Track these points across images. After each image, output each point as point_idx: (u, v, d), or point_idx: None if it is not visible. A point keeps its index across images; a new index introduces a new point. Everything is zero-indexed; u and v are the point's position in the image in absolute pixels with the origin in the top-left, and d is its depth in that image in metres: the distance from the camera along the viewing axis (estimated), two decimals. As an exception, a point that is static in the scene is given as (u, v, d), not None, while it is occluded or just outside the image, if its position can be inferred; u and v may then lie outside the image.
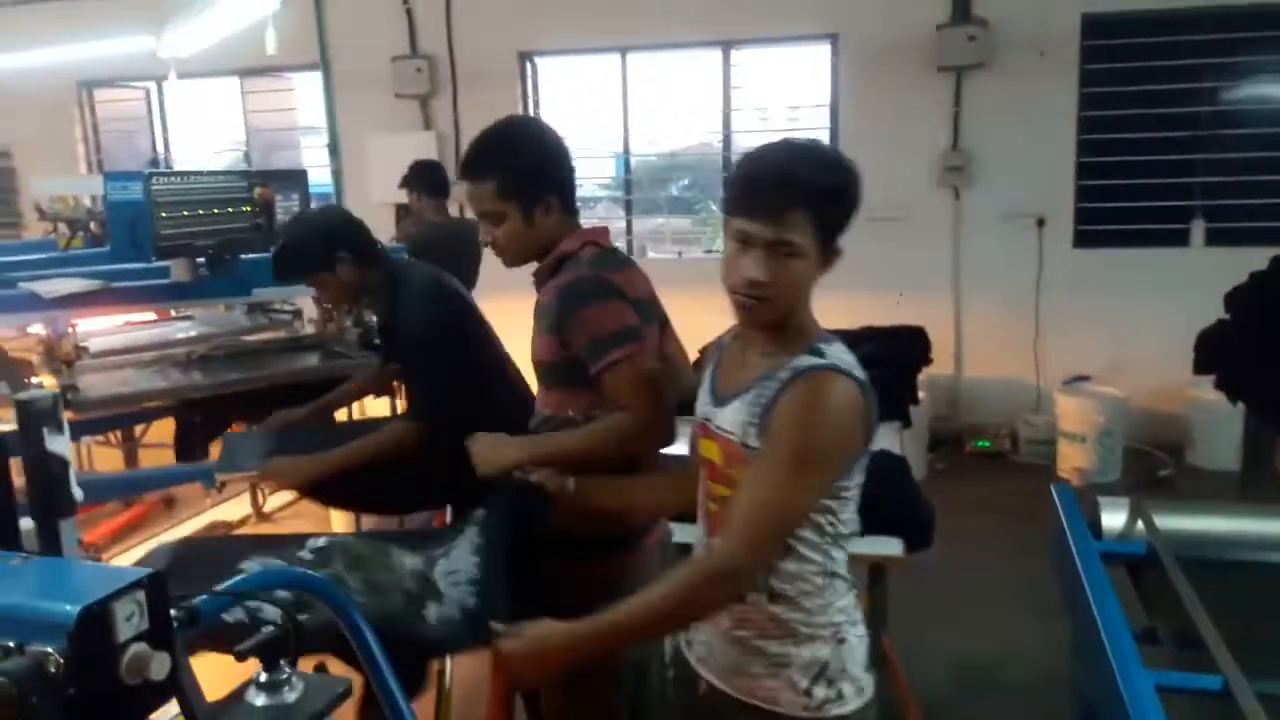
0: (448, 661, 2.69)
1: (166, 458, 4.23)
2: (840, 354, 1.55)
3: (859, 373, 1.53)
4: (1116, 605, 1.95)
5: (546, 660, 1.49)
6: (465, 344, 2.80)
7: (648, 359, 1.96)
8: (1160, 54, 5.77)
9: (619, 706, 2.18)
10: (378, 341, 3.59)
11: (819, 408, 1.48)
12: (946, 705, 3.30)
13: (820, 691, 1.57)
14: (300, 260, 2.82)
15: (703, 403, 1.67)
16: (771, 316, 1.54)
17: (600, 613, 1.47)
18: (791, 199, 1.46)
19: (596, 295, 1.96)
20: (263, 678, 1.07)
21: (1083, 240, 6.03)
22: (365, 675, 1.27)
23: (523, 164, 2.05)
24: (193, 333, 4.32)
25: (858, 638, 1.63)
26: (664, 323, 2.22)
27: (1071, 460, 5.59)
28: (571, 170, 2.13)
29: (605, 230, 2.17)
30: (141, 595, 0.90)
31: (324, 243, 2.79)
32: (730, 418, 1.57)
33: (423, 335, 2.78)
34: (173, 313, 4.61)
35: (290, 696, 1.07)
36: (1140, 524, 2.32)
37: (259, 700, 1.06)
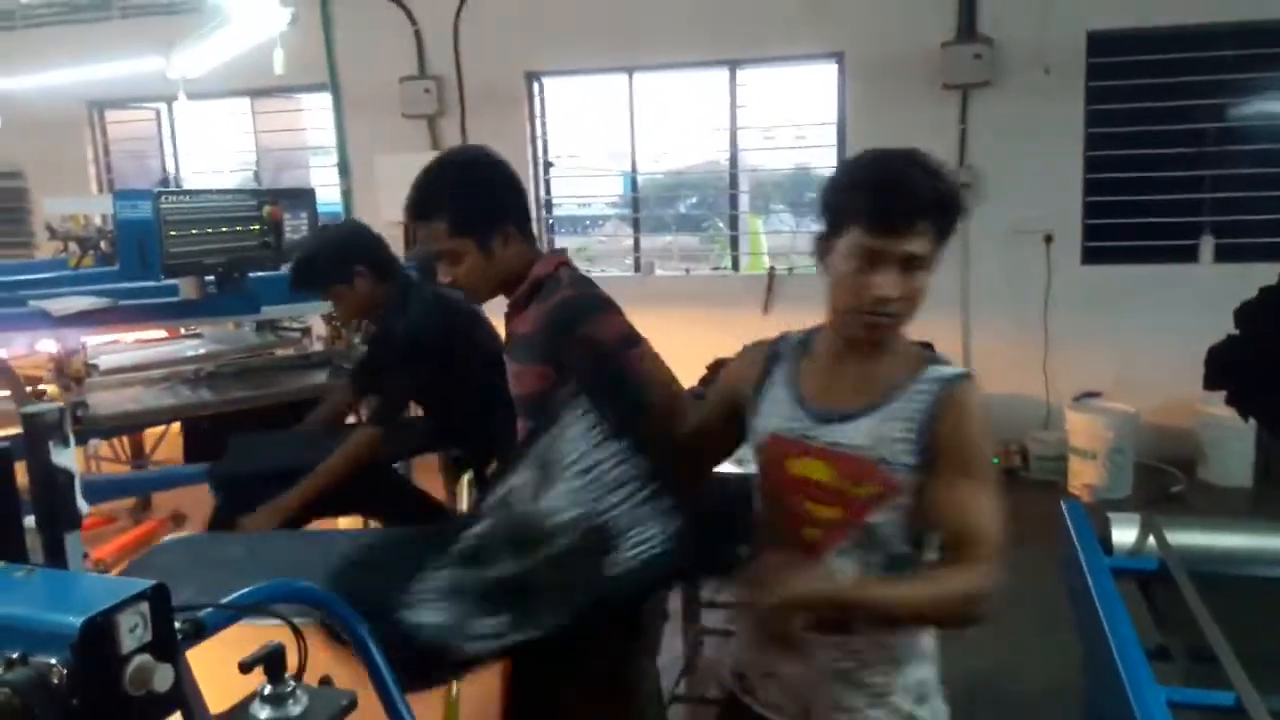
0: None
1: (175, 476, 4.24)
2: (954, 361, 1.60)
3: None
4: (1128, 621, 1.93)
5: (810, 602, 1.40)
6: (452, 357, 2.82)
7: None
8: (1166, 71, 5.76)
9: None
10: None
11: (983, 418, 1.52)
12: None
13: (923, 712, 1.56)
14: (319, 272, 2.87)
15: (788, 418, 1.58)
16: (889, 333, 1.52)
17: (858, 584, 1.47)
18: (921, 211, 1.43)
19: (592, 310, 1.92)
20: (267, 690, 1.07)
21: (1091, 256, 6.02)
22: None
23: (472, 197, 1.95)
24: (202, 350, 4.34)
25: (936, 650, 1.64)
26: None
27: (1082, 477, 5.56)
28: (522, 195, 2.04)
29: (565, 251, 2.12)
30: (145, 607, 0.89)
31: (343, 256, 2.84)
32: (860, 433, 1.51)
33: (405, 341, 2.83)
34: (182, 330, 4.64)
35: (294, 709, 1.07)
36: (1151, 539, 2.31)
37: (263, 713, 1.06)
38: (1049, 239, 5.98)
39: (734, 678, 1.69)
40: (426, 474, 4.82)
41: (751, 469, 1.72)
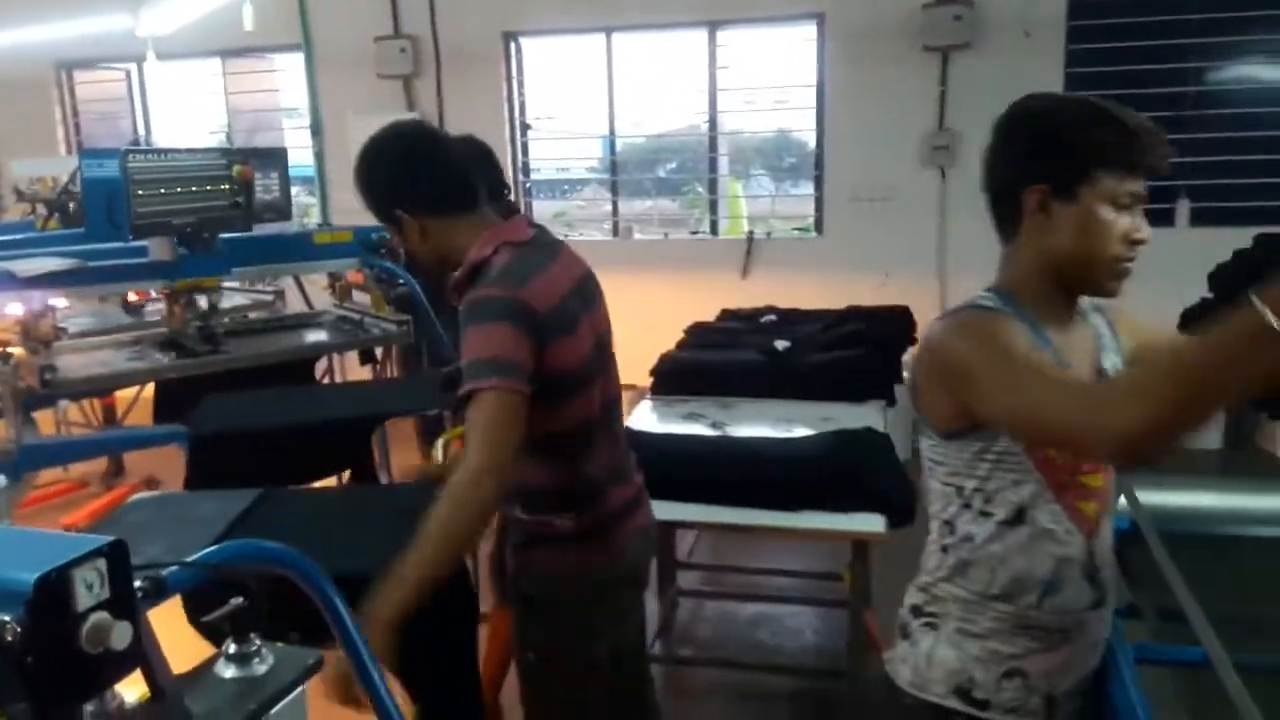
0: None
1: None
2: None
3: None
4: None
5: None
6: None
7: (511, 399, 1.73)
8: (1146, 34, 5.76)
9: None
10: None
11: None
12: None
13: None
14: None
15: None
16: None
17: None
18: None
19: (486, 316, 1.79)
20: (232, 649, 1.05)
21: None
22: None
23: (380, 181, 1.94)
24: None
25: None
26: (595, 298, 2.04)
27: (1056, 440, 5.59)
28: (452, 168, 1.96)
29: (520, 224, 2.01)
30: (103, 563, 0.88)
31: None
32: None
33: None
34: (153, 293, 4.58)
35: (260, 669, 1.05)
36: (1122, 499, 2.33)
37: (228, 672, 1.05)
38: (1027, 203, 5.97)
39: (957, 697, 1.59)
40: (402, 439, 4.82)
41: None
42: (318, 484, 3.67)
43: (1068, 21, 5.80)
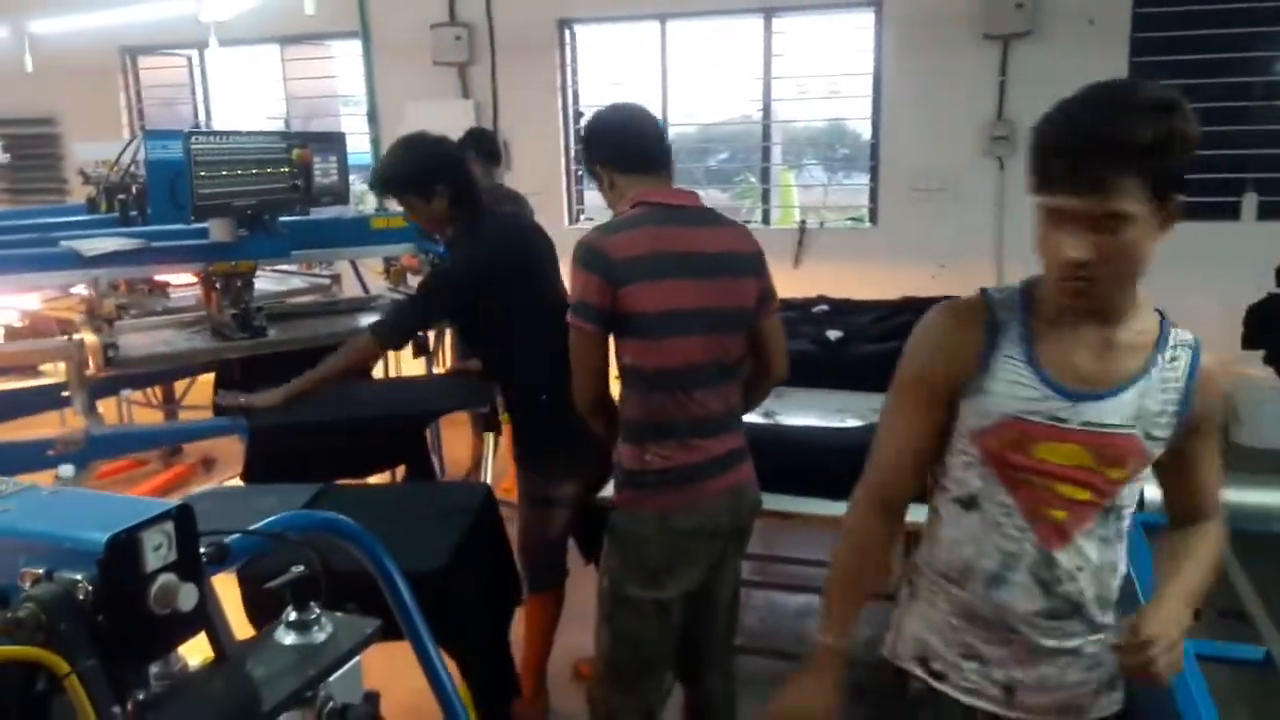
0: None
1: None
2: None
3: None
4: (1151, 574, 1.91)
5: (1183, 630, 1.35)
6: (493, 295, 2.86)
7: (587, 338, 2.16)
8: (1213, 23, 5.61)
9: (663, 648, 2.30)
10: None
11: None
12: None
13: (1119, 683, 1.55)
14: (401, 179, 2.90)
15: (1033, 399, 1.43)
16: (1106, 299, 1.37)
17: (1168, 580, 1.43)
18: (1116, 164, 1.26)
19: (577, 261, 2.17)
20: (292, 616, 1.07)
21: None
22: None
23: (595, 140, 2.37)
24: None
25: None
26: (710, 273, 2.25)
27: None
28: (647, 141, 2.33)
29: (667, 191, 2.30)
30: (170, 527, 0.89)
31: (430, 170, 2.86)
32: (1122, 410, 1.41)
33: (442, 271, 2.92)
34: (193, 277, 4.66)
35: (319, 636, 1.07)
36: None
37: (288, 639, 1.06)
38: (1087, 194, 5.86)
39: (916, 663, 1.61)
40: (456, 427, 4.87)
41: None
42: (373, 479, 3.73)
43: (1133, 9, 5.67)
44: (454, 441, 4.91)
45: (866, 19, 6.27)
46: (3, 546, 0.90)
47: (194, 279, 4.16)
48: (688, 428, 2.20)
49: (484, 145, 5.20)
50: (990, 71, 5.90)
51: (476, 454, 4.48)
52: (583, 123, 2.47)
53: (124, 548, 0.85)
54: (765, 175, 6.86)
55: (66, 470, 2.48)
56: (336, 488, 2.31)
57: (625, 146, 2.32)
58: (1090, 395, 1.40)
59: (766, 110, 6.65)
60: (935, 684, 1.57)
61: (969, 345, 1.48)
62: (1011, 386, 1.43)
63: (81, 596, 0.83)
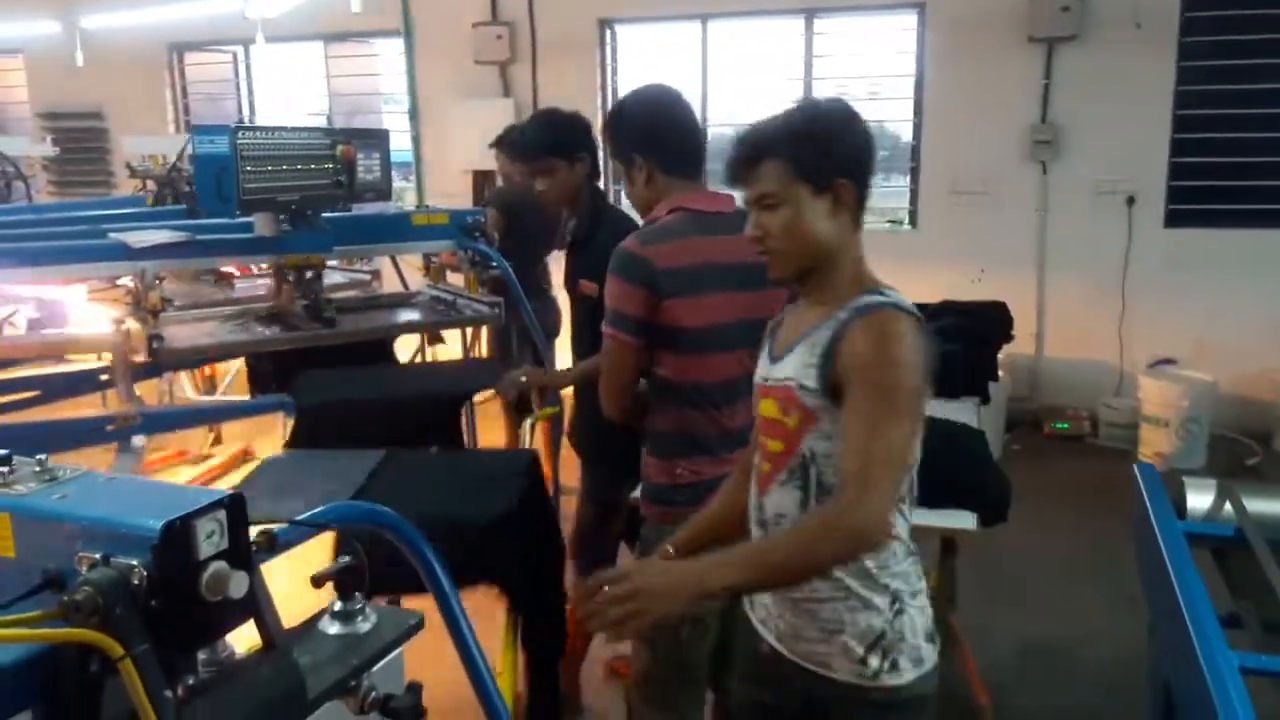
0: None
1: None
2: (899, 296, 1.55)
3: (917, 314, 1.53)
4: (1201, 585, 1.88)
5: (678, 594, 1.34)
6: None
7: (624, 349, 2.13)
8: (1263, 27, 5.52)
9: (699, 660, 2.24)
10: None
11: (895, 344, 1.45)
12: (1015, 687, 3.24)
13: (874, 661, 1.55)
14: (552, 141, 2.93)
15: (762, 367, 1.69)
16: (786, 269, 1.60)
17: (719, 554, 1.44)
18: (753, 153, 1.56)
19: (618, 269, 2.11)
20: (337, 606, 1.08)
21: (1175, 219, 5.83)
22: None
23: (638, 126, 2.28)
24: (274, 289, 4.40)
25: (918, 608, 1.60)
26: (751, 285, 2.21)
27: (1154, 445, 5.43)
28: (690, 141, 2.32)
29: (709, 198, 2.24)
30: (222, 515, 0.91)
31: (579, 136, 2.92)
32: (790, 366, 1.58)
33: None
34: (254, 270, 4.72)
35: (363, 627, 1.08)
36: (1228, 506, 2.24)
37: (332, 629, 1.08)
38: (1131, 200, 5.80)
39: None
40: (491, 418, 4.89)
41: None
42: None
43: (1182, 13, 5.59)
44: (487, 431, 4.94)
45: (909, 20, 6.24)
46: (60, 531, 0.92)
47: (260, 270, 4.23)
48: (720, 442, 2.16)
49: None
50: (1034, 74, 5.85)
51: (511, 443, 4.50)
52: (614, 105, 2.34)
53: (178, 535, 0.87)
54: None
55: (138, 440, 2.80)
56: (399, 452, 2.50)
57: (668, 141, 2.26)
58: (780, 356, 1.63)
59: (807, 111, 6.62)
60: (748, 609, 1.74)
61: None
62: (762, 360, 1.71)
63: (136, 582, 0.85)
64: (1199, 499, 2.30)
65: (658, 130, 2.25)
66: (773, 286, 2.20)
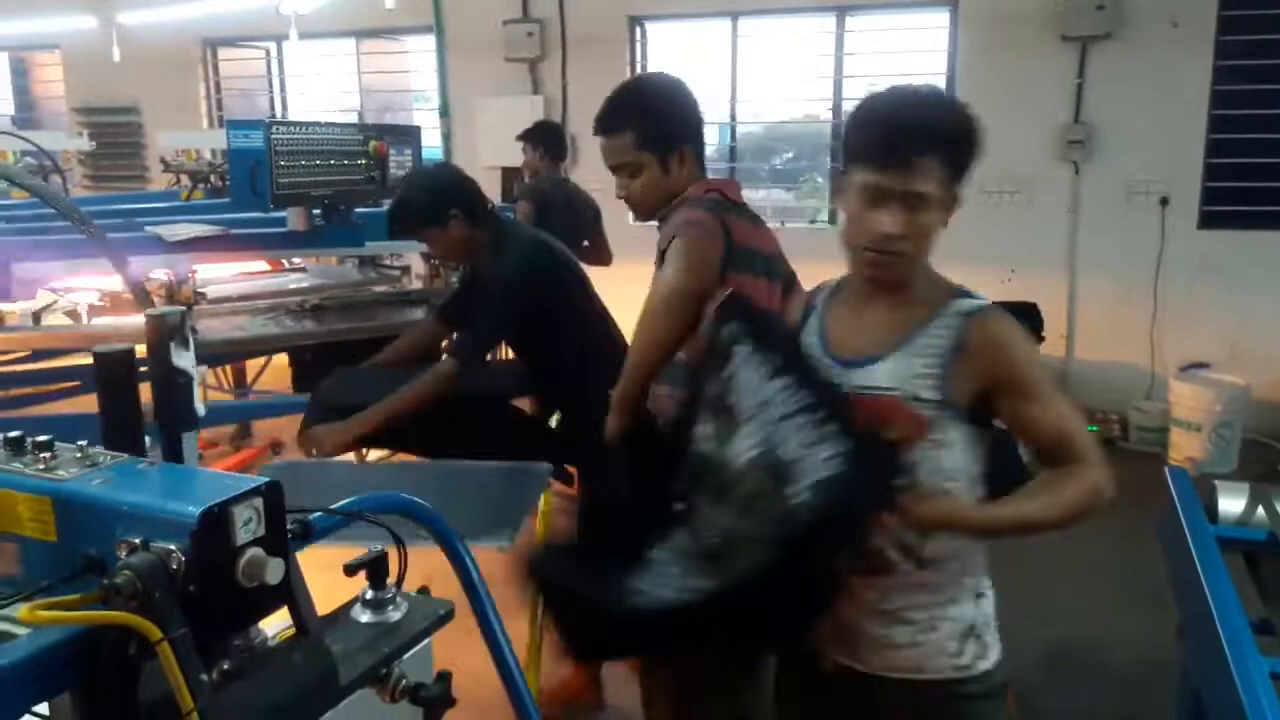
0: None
1: (276, 403, 4.39)
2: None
3: None
4: (1231, 589, 1.87)
5: (955, 525, 1.45)
6: (550, 300, 2.86)
7: (680, 326, 2.01)
8: (1304, 26, 5.45)
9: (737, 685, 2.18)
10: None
11: (1027, 340, 1.52)
12: (1041, 688, 3.23)
13: (970, 650, 1.55)
14: (414, 216, 2.91)
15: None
16: (903, 271, 1.51)
17: (990, 504, 1.50)
18: (923, 146, 1.42)
19: (690, 234, 2.04)
20: (368, 595, 1.09)
21: (1209, 221, 5.76)
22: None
23: (658, 115, 2.16)
24: (305, 284, 4.45)
25: (990, 594, 1.61)
26: (788, 282, 2.24)
27: (1184, 449, 5.37)
28: (702, 123, 2.24)
29: (736, 185, 2.25)
30: (259, 502, 0.92)
31: (437, 200, 2.87)
32: (887, 374, 1.49)
33: (503, 281, 2.88)
34: (285, 264, 4.77)
35: (394, 615, 1.09)
36: (1260, 510, 2.22)
37: (364, 617, 1.09)
38: (1165, 201, 5.73)
39: None
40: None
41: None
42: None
43: (1219, 12, 5.52)
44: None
45: (941, 18, 6.20)
46: (101, 515, 0.94)
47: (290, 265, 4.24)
48: None
49: (548, 139, 5.23)
50: (1067, 74, 5.80)
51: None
52: (644, 95, 2.25)
53: (216, 521, 0.88)
54: (834, 176, 6.82)
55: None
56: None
57: (698, 127, 2.23)
58: (860, 362, 1.52)
59: (837, 110, 6.61)
60: None
61: (792, 325, 1.68)
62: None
63: (174, 566, 0.86)
64: (1231, 503, 2.28)
65: (699, 119, 2.24)
66: (781, 280, 2.21)
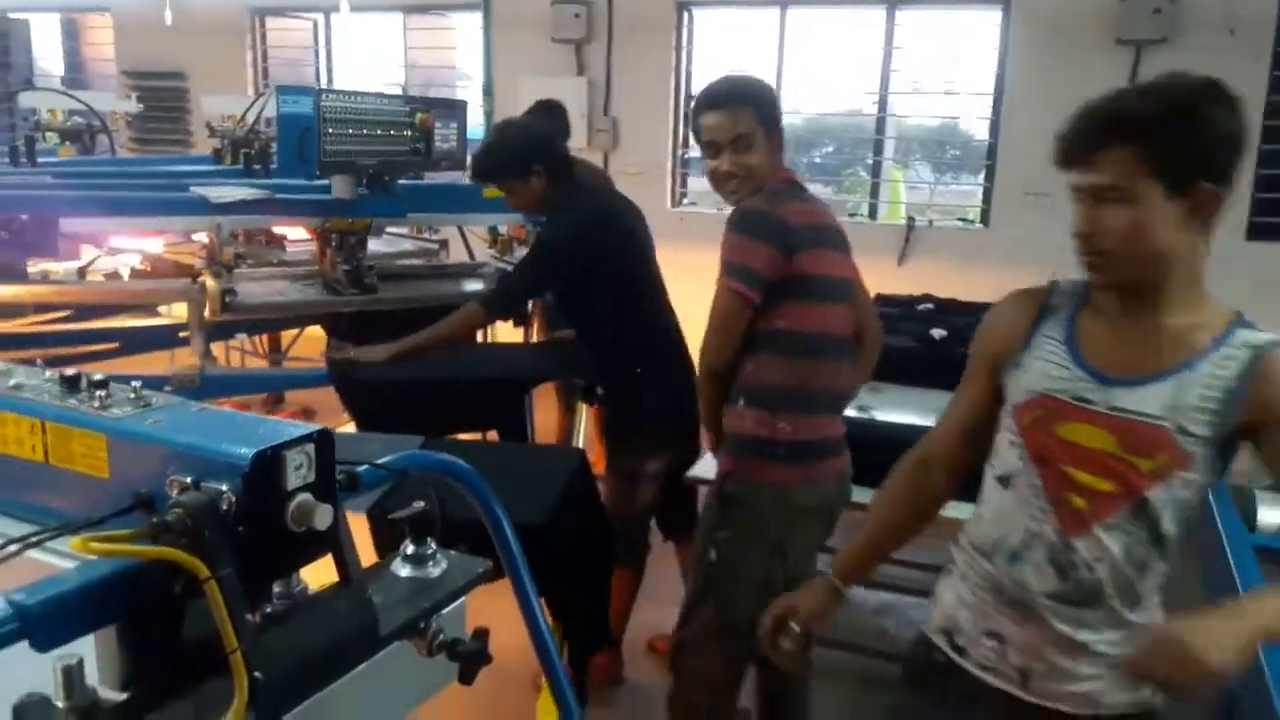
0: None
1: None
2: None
3: None
4: (1272, 598, 1.84)
5: (1237, 648, 1.24)
6: (600, 266, 2.92)
7: (744, 304, 2.14)
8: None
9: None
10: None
11: None
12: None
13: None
14: (500, 163, 3.00)
15: (1063, 378, 1.46)
16: (1114, 276, 1.41)
17: (1252, 602, 1.39)
18: (1100, 137, 1.35)
19: (747, 229, 2.16)
20: (409, 550, 1.10)
21: (1258, 232, 5.66)
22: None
23: (771, 97, 2.33)
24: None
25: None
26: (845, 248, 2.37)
27: (1222, 463, 5.29)
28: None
29: (792, 170, 2.40)
30: (311, 449, 0.93)
31: (524, 152, 2.96)
32: (1160, 402, 1.38)
33: (550, 242, 3.02)
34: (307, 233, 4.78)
35: (434, 571, 1.09)
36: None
37: (404, 571, 1.09)
38: (1212, 211, 5.64)
39: (942, 635, 1.65)
40: (541, 396, 4.92)
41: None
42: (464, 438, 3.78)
43: (1279, 20, 5.42)
44: (540, 414, 4.96)
45: (994, 16, 6.13)
46: (152, 454, 0.95)
47: (308, 235, 4.28)
48: (823, 400, 2.25)
49: (559, 118, 5.19)
50: (1120, 77, 5.70)
51: (565, 426, 4.52)
52: (760, 83, 2.39)
53: (268, 463, 0.88)
54: (876, 170, 6.77)
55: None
56: (440, 441, 2.34)
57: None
58: (1123, 381, 1.42)
59: (882, 104, 6.55)
60: (956, 657, 1.60)
61: (1018, 324, 1.55)
62: (1045, 365, 1.48)
63: (225, 507, 0.87)
64: (1271, 514, 2.26)
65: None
66: (847, 252, 2.34)
